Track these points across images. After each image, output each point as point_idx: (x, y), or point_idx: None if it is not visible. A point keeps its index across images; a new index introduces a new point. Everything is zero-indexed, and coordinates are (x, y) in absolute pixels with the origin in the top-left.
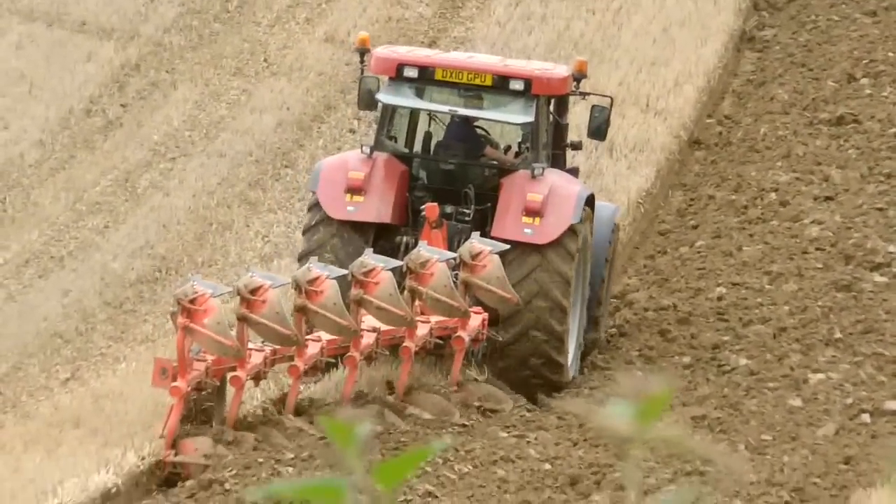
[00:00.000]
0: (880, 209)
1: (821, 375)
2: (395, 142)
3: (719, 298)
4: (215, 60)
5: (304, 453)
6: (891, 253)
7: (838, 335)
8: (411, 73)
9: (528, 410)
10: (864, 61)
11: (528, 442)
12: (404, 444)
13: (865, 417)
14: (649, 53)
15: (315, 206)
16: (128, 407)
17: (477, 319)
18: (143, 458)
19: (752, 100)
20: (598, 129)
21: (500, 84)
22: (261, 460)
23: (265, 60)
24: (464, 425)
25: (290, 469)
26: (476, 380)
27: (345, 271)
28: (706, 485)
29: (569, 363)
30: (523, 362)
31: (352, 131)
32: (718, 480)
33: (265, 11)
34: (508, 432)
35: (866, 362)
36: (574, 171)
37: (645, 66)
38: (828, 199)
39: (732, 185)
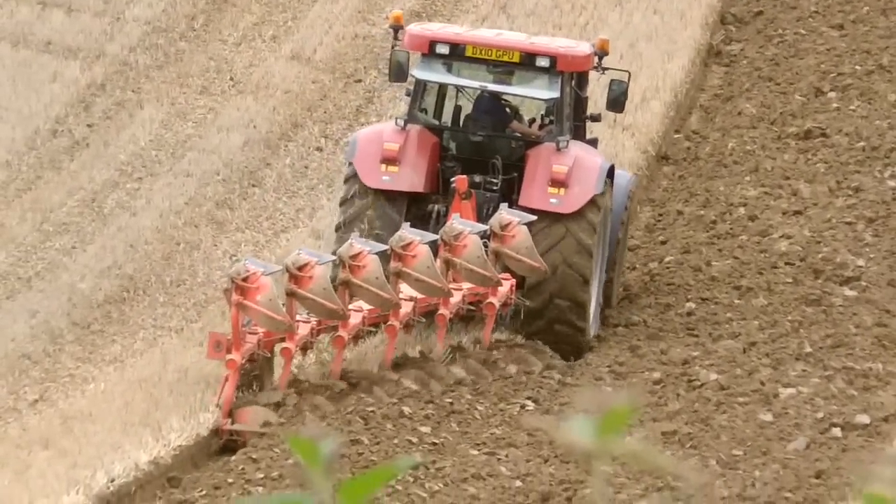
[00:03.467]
0: (849, 223)
1: (791, 390)
2: (426, 114)
3: (689, 314)
4: (181, 79)
5: (274, 473)
6: (860, 267)
7: (808, 349)
8: (443, 49)
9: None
10: (832, 75)
11: (499, 459)
12: (374, 462)
13: (836, 431)
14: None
15: (352, 176)
16: (97, 427)
17: (506, 286)
18: (112, 480)
19: (719, 114)
20: (616, 101)
21: (528, 61)
22: (231, 480)
23: (231, 79)
24: (434, 443)
25: (261, 489)
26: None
27: (385, 246)
28: (677, 500)
29: (590, 325)
30: (548, 325)
31: (319, 149)
32: (690, 496)
33: (231, 29)
34: (479, 450)
35: (836, 376)
36: (593, 142)
37: None
38: (796, 213)
39: (701, 200)
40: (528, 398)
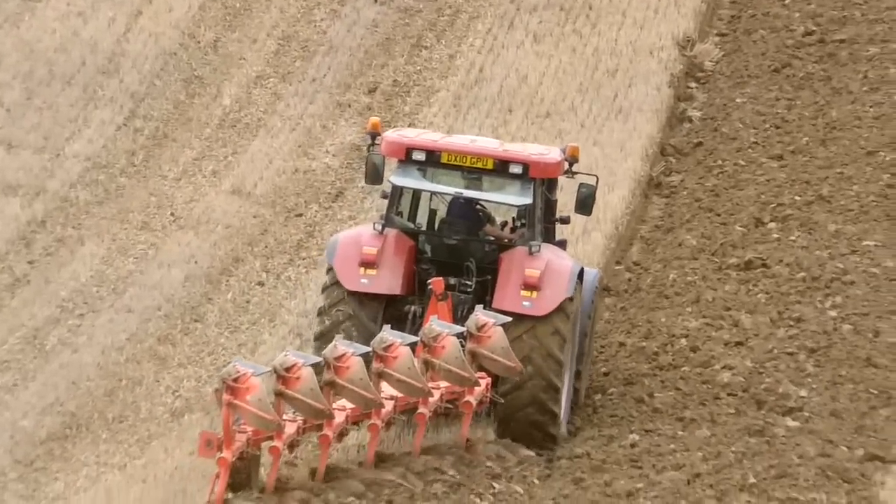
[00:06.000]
0: (790, 353)
1: None
2: (402, 217)
3: (632, 445)
4: (122, 215)
5: None
6: (802, 397)
7: (752, 480)
8: (419, 156)
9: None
10: (772, 205)
11: None
12: None
13: None
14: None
15: (333, 282)
16: None
17: (482, 384)
18: None
19: (660, 245)
20: (584, 204)
21: (501, 168)
22: None
23: (172, 214)
24: None
25: None
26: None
27: (367, 348)
28: None
29: (562, 416)
30: (522, 419)
31: (260, 284)
32: None
33: (171, 164)
34: None
35: None
36: (562, 244)
37: None
38: (738, 344)
39: (643, 331)
40: None
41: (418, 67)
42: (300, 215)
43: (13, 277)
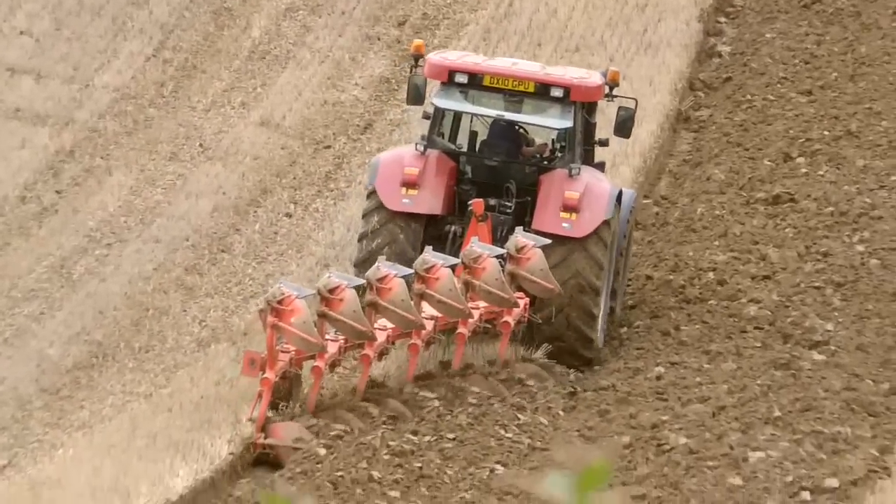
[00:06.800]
0: (818, 287)
1: (760, 454)
2: (444, 138)
3: (658, 378)
4: (150, 146)
5: None
6: (829, 331)
7: (777, 413)
8: (462, 78)
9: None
10: (800, 140)
11: None
12: None
13: (806, 495)
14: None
15: (373, 197)
16: (65, 494)
17: (520, 304)
18: None
19: (688, 180)
20: (623, 126)
21: (542, 91)
22: None
23: (201, 145)
24: None
25: None
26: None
27: (410, 270)
28: None
29: (598, 336)
30: (560, 337)
31: (288, 215)
32: None
33: (200, 96)
34: None
35: (806, 440)
36: (601, 166)
37: None
38: (765, 278)
39: (670, 265)
40: (498, 462)
41: (448, 0)
42: (328, 147)
43: (41, 207)
